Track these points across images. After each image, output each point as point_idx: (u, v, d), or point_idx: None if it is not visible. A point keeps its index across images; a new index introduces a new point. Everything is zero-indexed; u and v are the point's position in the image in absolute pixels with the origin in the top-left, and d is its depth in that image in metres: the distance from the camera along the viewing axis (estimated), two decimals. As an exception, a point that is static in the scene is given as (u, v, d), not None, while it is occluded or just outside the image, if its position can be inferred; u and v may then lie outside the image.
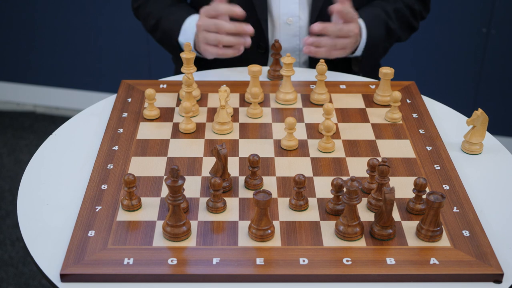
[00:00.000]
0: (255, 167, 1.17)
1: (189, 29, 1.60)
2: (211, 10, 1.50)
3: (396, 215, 1.12)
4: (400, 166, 1.25)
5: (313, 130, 1.36)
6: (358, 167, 1.24)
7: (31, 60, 3.20)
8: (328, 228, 1.09)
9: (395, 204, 1.14)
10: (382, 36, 1.62)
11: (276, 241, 1.06)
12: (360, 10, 1.62)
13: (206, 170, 1.23)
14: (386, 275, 1.01)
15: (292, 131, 1.28)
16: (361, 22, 1.58)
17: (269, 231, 1.06)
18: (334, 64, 1.68)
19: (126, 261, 1.02)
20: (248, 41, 1.50)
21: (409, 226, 1.10)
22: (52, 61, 3.18)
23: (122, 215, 1.11)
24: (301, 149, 1.29)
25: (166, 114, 1.40)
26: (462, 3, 2.70)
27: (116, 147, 1.29)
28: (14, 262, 2.42)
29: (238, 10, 1.49)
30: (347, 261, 1.02)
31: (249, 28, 1.49)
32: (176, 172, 1.03)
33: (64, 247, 1.06)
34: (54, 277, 1.01)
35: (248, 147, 1.30)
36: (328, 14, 1.63)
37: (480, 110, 1.29)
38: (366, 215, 1.12)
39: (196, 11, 1.65)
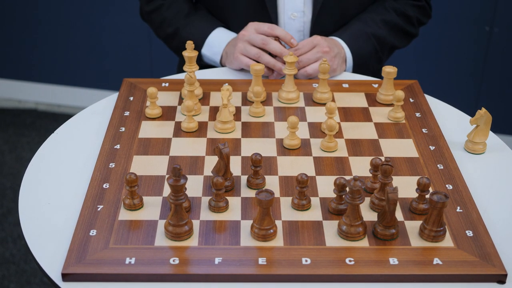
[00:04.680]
0: (258, 166, 1.17)
1: (216, 43, 1.61)
2: (265, 27, 1.52)
3: (399, 215, 1.12)
4: (403, 166, 1.24)
5: (316, 129, 1.35)
6: (361, 166, 1.24)
7: (33, 57, 3.20)
8: (330, 227, 1.09)
9: (398, 204, 1.13)
10: (371, 50, 1.63)
11: (278, 241, 1.06)
12: (342, 30, 1.63)
13: (208, 169, 1.22)
14: (389, 275, 1.00)
15: (294, 130, 1.28)
16: (339, 40, 1.59)
17: (272, 230, 1.06)
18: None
19: (128, 260, 1.01)
20: (282, 69, 1.48)
21: (412, 226, 1.09)
22: (54, 58, 3.18)
23: (124, 214, 1.11)
24: (303, 148, 1.29)
25: (168, 113, 1.40)
26: (465, 2, 2.69)
27: (118, 146, 1.28)
28: (16, 259, 2.42)
29: (293, 41, 1.51)
30: (350, 261, 1.02)
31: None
32: (178, 171, 1.02)
33: (66, 246, 1.05)
34: (56, 276, 1.01)
35: (250, 146, 1.29)
36: (331, 9, 1.62)
37: (483, 109, 1.28)
38: (369, 215, 1.12)
39: (216, 18, 1.66)
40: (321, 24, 1.64)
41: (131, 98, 1.45)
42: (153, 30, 1.75)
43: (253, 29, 1.53)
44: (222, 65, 1.63)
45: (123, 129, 1.34)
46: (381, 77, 1.68)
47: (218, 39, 1.62)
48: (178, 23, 1.66)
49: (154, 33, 1.75)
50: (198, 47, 1.63)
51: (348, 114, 1.41)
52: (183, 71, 1.69)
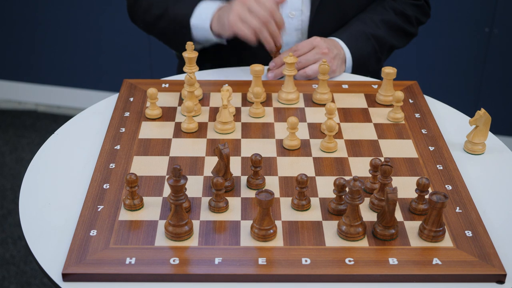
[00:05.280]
0: (258, 167, 1.17)
1: (206, 10, 1.53)
2: (267, 3, 1.42)
3: (398, 215, 1.12)
4: (403, 166, 1.24)
5: (316, 130, 1.35)
6: (360, 167, 1.24)
7: (32, 58, 3.21)
8: (330, 228, 1.09)
9: (397, 204, 1.13)
10: (370, 50, 1.63)
11: (278, 241, 1.06)
12: (341, 31, 1.62)
13: (208, 170, 1.23)
14: (389, 275, 1.01)
15: (294, 131, 1.28)
16: (338, 41, 1.59)
17: (271, 231, 1.06)
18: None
19: (128, 260, 1.02)
20: (280, 41, 1.46)
21: (412, 226, 1.10)
22: (53, 59, 3.18)
23: (124, 215, 1.11)
24: (303, 149, 1.29)
25: (168, 114, 1.40)
26: (465, 3, 2.69)
27: (118, 147, 1.29)
28: (16, 260, 2.43)
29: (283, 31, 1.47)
30: (350, 261, 1.02)
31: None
32: (178, 171, 1.03)
33: (66, 246, 1.06)
34: (56, 276, 1.01)
35: (250, 147, 1.30)
36: (329, 8, 1.62)
37: (482, 110, 1.28)
38: (368, 215, 1.12)
39: None
40: (319, 23, 1.64)
41: (131, 99, 1.45)
42: (140, 21, 1.67)
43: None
44: (212, 32, 1.53)
45: (123, 129, 1.34)
46: (380, 78, 1.69)
47: (208, 7, 1.54)
48: (166, 3, 1.59)
49: (142, 21, 1.66)
50: (187, 21, 1.54)
51: (347, 114, 1.41)
52: (183, 72, 1.69)
